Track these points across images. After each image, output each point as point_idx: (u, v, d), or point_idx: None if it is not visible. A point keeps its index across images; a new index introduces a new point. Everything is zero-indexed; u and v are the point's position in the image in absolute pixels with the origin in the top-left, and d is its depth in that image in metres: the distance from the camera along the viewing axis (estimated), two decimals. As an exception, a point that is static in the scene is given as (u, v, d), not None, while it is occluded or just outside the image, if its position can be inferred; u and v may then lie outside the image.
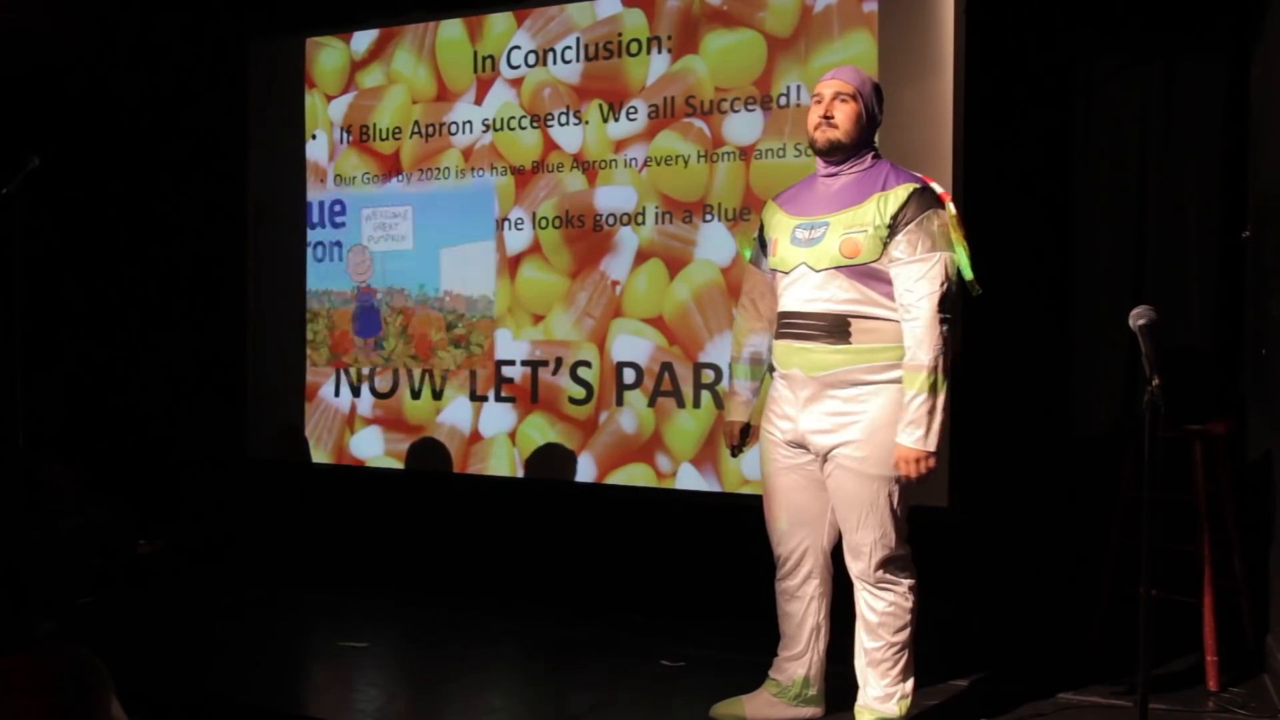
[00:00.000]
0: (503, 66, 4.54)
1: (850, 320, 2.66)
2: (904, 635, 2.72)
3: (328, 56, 4.94)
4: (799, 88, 4.00)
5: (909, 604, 2.72)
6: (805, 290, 2.71)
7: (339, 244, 4.87)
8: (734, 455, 3.10)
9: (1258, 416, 3.54)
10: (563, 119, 4.42)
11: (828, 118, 2.72)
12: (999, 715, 2.97)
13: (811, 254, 2.70)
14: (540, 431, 4.46)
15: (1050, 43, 3.94)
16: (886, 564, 2.69)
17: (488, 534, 4.61)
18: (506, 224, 4.53)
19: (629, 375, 4.29)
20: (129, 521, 4.50)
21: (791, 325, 2.75)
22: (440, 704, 3.18)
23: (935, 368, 2.57)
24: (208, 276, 5.34)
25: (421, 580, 4.47)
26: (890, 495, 2.66)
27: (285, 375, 5.03)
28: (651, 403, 4.24)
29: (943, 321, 2.58)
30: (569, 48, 4.41)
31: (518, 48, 4.51)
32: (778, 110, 4.04)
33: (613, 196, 4.33)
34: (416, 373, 4.69)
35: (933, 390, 2.57)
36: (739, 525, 3.39)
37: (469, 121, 4.61)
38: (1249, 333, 3.69)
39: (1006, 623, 3.77)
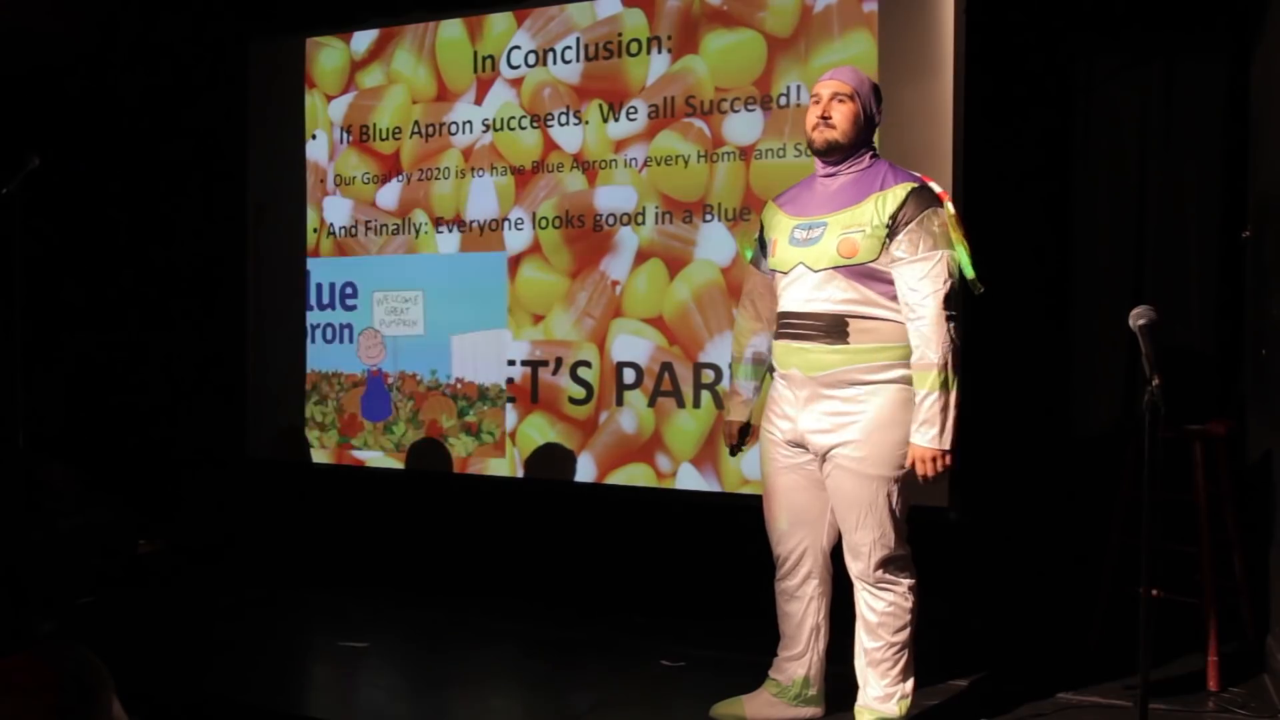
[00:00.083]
0: (503, 66, 4.54)
1: (848, 320, 2.66)
2: (904, 635, 2.72)
3: (328, 56, 4.94)
4: (799, 88, 4.00)
5: (909, 604, 2.72)
6: (804, 290, 2.71)
7: (349, 326, 4.87)
8: (733, 455, 3.11)
9: (1258, 416, 3.54)
10: (563, 119, 4.42)
11: (825, 118, 2.72)
12: (999, 715, 2.97)
13: (810, 254, 2.70)
14: (540, 431, 4.46)
15: (1050, 43, 3.95)
16: (886, 564, 2.69)
17: (488, 534, 4.61)
18: (507, 224, 4.54)
19: (629, 375, 4.29)
20: (129, 521, 4.50)
21: (790, 325, 2.75)
22: (440, 704, 3.18)
23: (945, 365, 2.57)
24: (208, 276, 5.34)
25: (421, 580, 4.47)
26: (889, 495, 2.66)
27: (285, 375, 5.03)
28: (651, 403, 4.24)
29: (949, 319, 2.59)
30: (569, 48, 4.41)
31: (518, 48, 4.51)
32: (778, 110, 4.04)
33: (613, 196, 4.33)
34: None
35: (944, 388, 2.57)
36: (739, 525, 3.39)
37: (469, 121, 4.61)
38: (1249, 333, 3.69)
39: (1006, 623, 3.77)
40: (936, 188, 2.72)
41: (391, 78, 4.79)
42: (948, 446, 2.58)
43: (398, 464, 4.75)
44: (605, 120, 4.33)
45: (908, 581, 2.72)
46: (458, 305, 4.62)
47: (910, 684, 2.75)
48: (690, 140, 4.19)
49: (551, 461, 4.43)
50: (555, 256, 4.44)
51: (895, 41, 3.83)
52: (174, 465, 5.38)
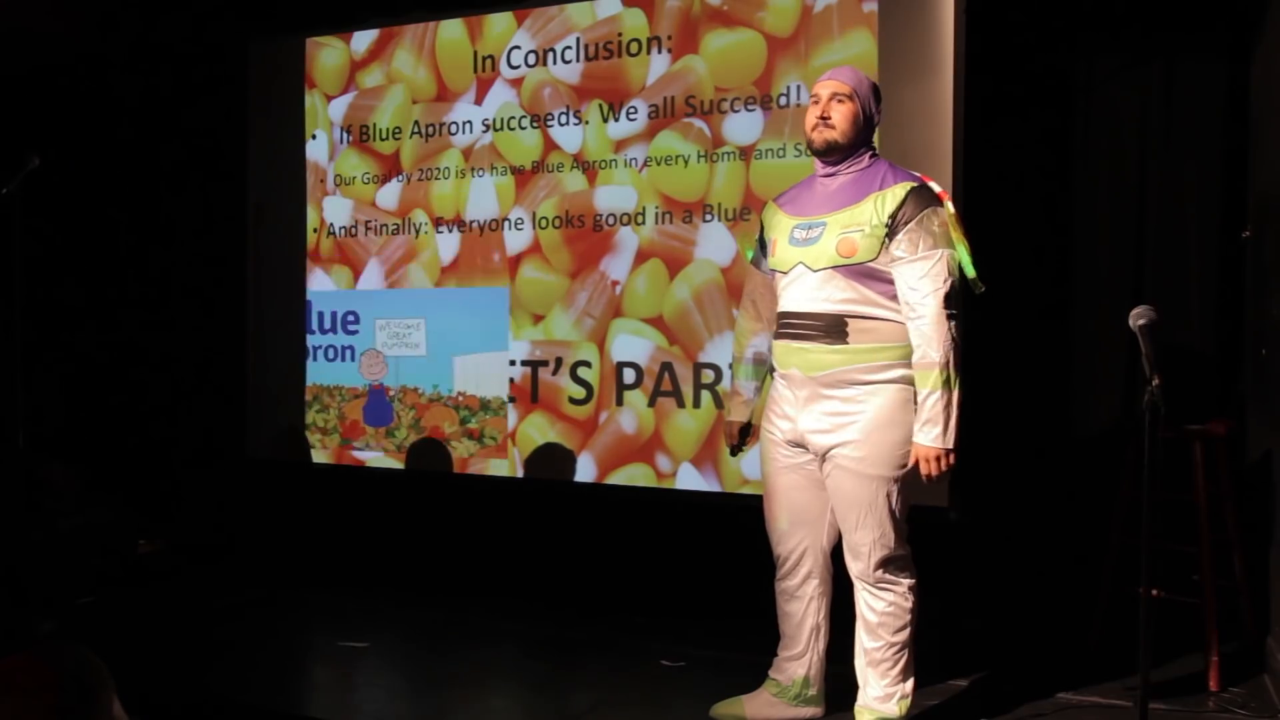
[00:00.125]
0: (503, 66, 4.54)
1: (847, 320, 2.66)
2: (904, 635, 2.72)
3: (328, 56, 4.94)
4: (799, 88, 4.00)
5: (909, 604, 2.72)
6: (803, 290, 2.71)
7: (351, 348, 4.87)
8: (734, 455, 3.12)
9: (1258, 416, 3.54)
10: (563, 119, 4.42)
11: (825, 118, 2.72)
12: (999, 715, 2.97)
13: (809, 254, 2.71)
14: (540, 431, 4.46)
15: (1050, 43, 3.95)
16: (886, 564, 2.69)
17: (488, 534, 4.61)
18: (507, 224, 4.54)
19: (629, 375, 4.29)
20: (129, 521, 4.50)
21: (790, 325, 2.75)
22: (440, 704, 3.18)
23: (947, 364, 2.57)
24: (208, 276, 5.34)
25: (421, 580, 4.47)
26: (889, 495, 2.66)
27: (285, 375, 5.03)
28: (651, 403, 4.25)
29: (950, 318, 2.58)
30: (569, 48, 4.41)
31: (518, 48, 4.51)
32: (778, 110, 4.04)
33: (613, 196, 4.33)
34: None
35: (947, 386, 2.57)
36: (739, 525, 3.39)
37: (469, 121, 4.61)
38: (1249, 333, 3.69)
39: (1006, 623, 3.77)
40: (936, 187, 2.72)
41: (391, 78, 4.79)
42: (951, 445, 2.58)
43: (398, 464, 4.75)
44: (605, 120, 4.33)
45: (908, 581, 2.72)
46: (460, 332, 4.63)
47: (910, 684, 2.75)
48: (690, 140, 4.19)
49: (551, 461, 4.43)
50: (555, 256, 4.44)
51: (895, 41, 3.84)
52: (174, 465, 5.38)
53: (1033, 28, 3.92)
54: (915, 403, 2.62)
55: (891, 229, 2.62)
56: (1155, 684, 2.57)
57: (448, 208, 4.66)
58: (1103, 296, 3.95)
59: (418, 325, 4.71)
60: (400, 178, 4.77)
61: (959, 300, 2.64)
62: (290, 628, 3.90)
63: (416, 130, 4.73)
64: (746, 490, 3.99)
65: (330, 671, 3.53)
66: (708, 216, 4.15)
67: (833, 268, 2.66)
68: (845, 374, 2.66)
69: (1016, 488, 3.90)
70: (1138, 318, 2.37)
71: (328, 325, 4.92)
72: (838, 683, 2.89)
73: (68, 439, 5.11)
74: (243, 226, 5.14)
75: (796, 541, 2.84)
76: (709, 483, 4.14)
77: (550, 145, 4.45)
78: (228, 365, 5.21)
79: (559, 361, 4.42)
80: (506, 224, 4.53)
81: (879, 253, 2.63)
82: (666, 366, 4.22)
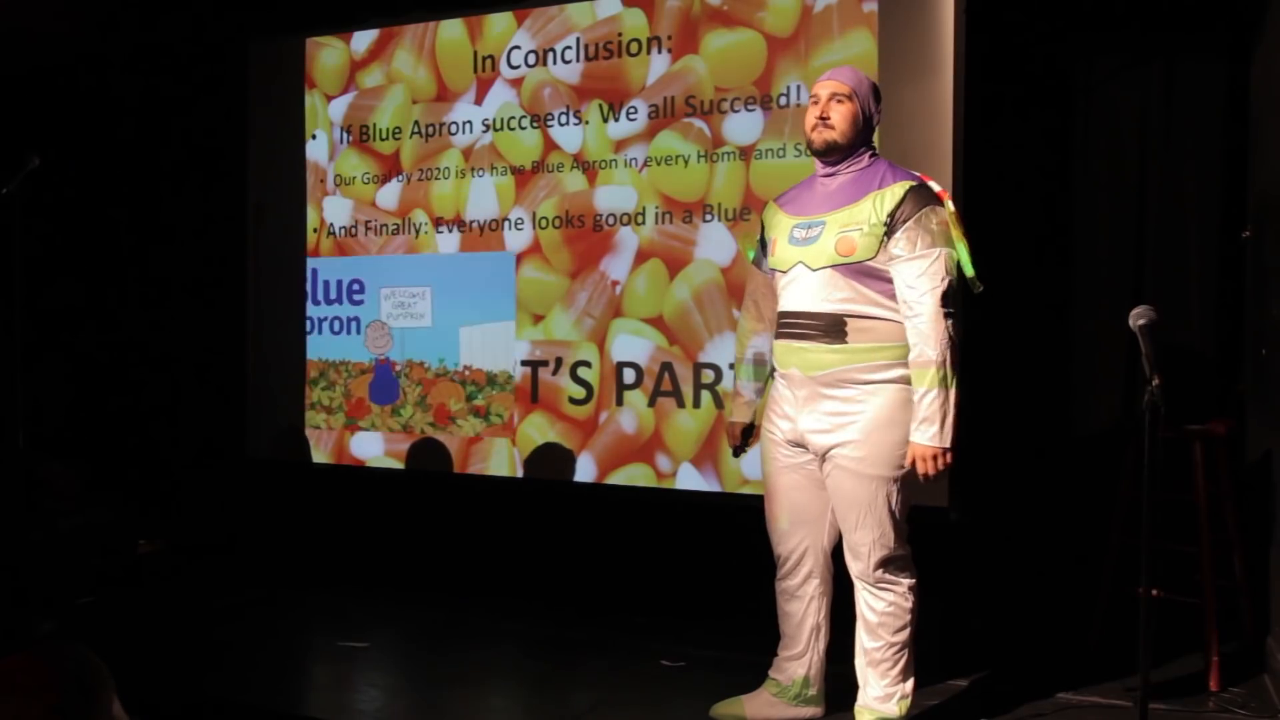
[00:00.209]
0: (503, 66, 4.54)
1: (847, 320, 2.66)
2: (904, 635, 2.72)
3: (328, 56, 4.94)
4: (799, 88, 4.00)
5: (909, 604, 2.72)
6: (802, 290, 2.71)
7: (356, 319, 4.87)
8: (736, 455, 3.12)
9: (1258, 416, 3.54)
10: (563, 119, 4.42)
11: (824, 119, 2.72)
12: (999, 715, 2.97)
13: (808, 253, 2.70)
14: (540, 431, 4.46)
15: (1050, 43, 3.95)
16: (886, 564, 2.69)
17: (488, 534, 4.61)
18: (507, 224, 4.54)
19: (629, 375, 4.29)
20: (129, 521, 4.50)
21: (789, 325, 2.75)
22: (440, 704, 3.18)
23: (944, 362, 2.56)
24: (208, 276, 5.34)
25: (421, 580, 4.47)
26: (889, 495, 2.66)
27: (286, 375, 5.03)
28: (651, 403, 4.25)
29: (947, 316, 2.58)
30: (569, 48, 4.41)
31: (518, 48, 4.51)
32: (778, 110, 4.04)
33: (613, 196, 4.33)
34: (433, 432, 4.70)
35: (943, 385, 2.56)
36: (739, 525, 3.39)
37: (469, 121, 4.61)
38: (1249, 333, 3.69)
39: (1006, 623, 3.77)
40: (936, 186, 2.72)
41: (391, 78, 4.79)
42: (948, 444, 2.57)
43: (403, 445, 4.75)
44: (605, 120, 4.33)
45: (908, 581, 2.72)
46: (466, 301, 4.61)
47: (910, 684, 2.75)
48: (690, 140, 4.19)
49: (551, 461, 4.43)
50: (555, 256, 4.44)
51: (895, 41, 3.84)
52: (174, 465, 5.38)
53: (1033, 28, 3.92)
54: (915, 402, 2.62)
55: (890, 227, 2.62)
56: (1155, 684, 2.57)
57: (448, 208, 4.66)
58: (1103, 296, 3.95)
59: (423, 294, 4.70)
60: (400, 178, 4.77)
61: (957, 299, 2.63)
62: (290, 628, 3.90)
63: (416, 130, 4.73)
64: (746, 490, 3.99)
65: (330, 671, 3.54)
66: (708, 216, 4.15)
67: (832, 267, 2.66)
68: (845, 374, 2.66)
69: (1016, 488, 3.90)
70: (1138, 318, 2.37)
71: (333, 295, 4.91)
72: (838, 683, 2.89)
73: (68, 439, 5.11)
74: (243, 226, 5.14)
75: (797, 541, 2.84)
76: (709, 483, 4.14)
77: (550, 145, 4.45)
78: (228, 365, 5.21)
79: (559, 361, 4.42)
80: (506, 224, 4.53)
81: (877, 251, 2.63)
82: (666, 366, 4.22)
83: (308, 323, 4.98)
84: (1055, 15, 3.91)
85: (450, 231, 4.65)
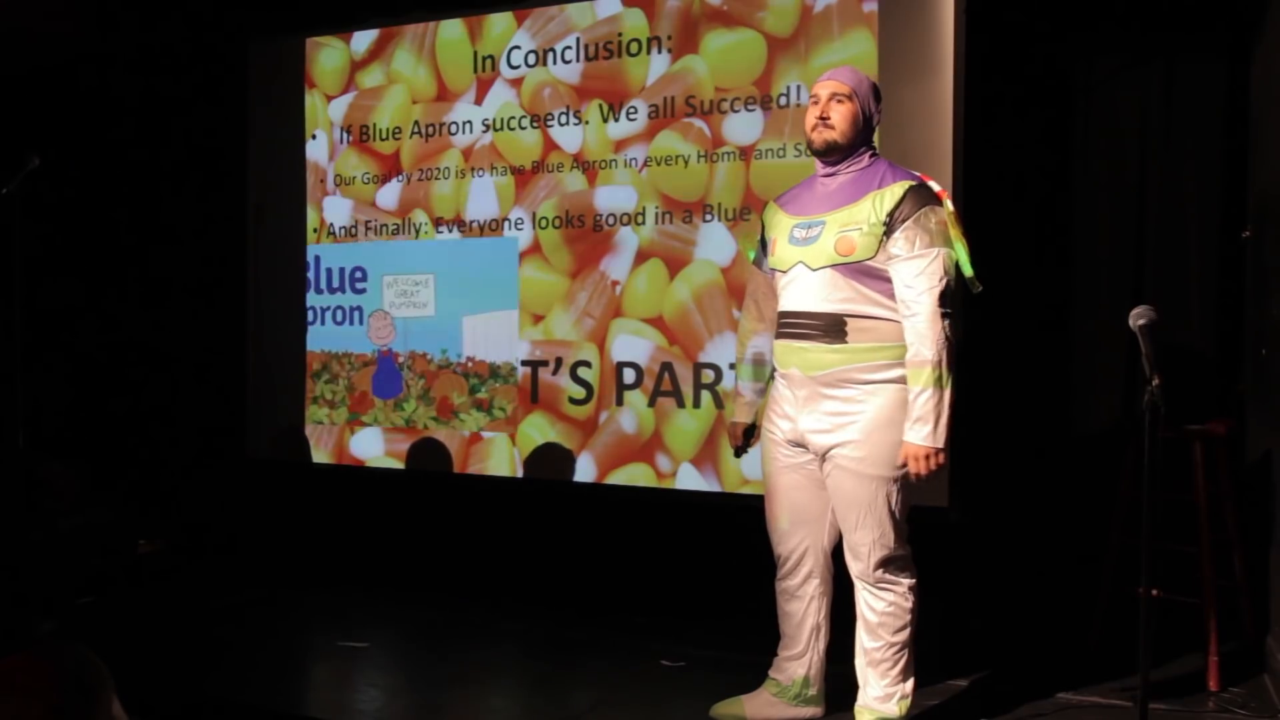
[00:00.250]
0: (503, 66, 4.54)
1: (846, 320, 2.66)
2: (904, 635, 2.72)
3: (328, 56, 4.94)
4: (799, 88, 4.00)
5: (909, 604, 2.72)
6: (802, 289, 2.71)
7: (359, 309, 4.86)
8: (738, 456, 3.12)
9: (1258, 416, 3.54)
10: (563, 119, 4.42)
11: (824, 119, 2.72)
12: (999, 715, 2.97)
13: (808, 253, 2.71)
14: (540, 431, 4.46)
15: (1050, 43, 3.95)
16: (886, 564, 2.69)
17: (488, 534, 4.61)
18: (507, 224, 4.54)
19: (629, 375, 4.29)
20: (129, 521, 4.50)
21: (789, 325, 2.75)
22: (440, 704, 3.18)
23: (940, 362, 2.56)
24: (208, 276, 5.34)
25: (421, 580, 4.47)
26: (889, 495, 2.66)
27: (286, 375, 5.03)
28: (651, 403, 4.25)
29: (944, 316, 2.58)
30: (569, 48, 4.41)
31: (518, 48, 4.51)
32: (778, 110, 4.04)
33: (613, 196, 4.33)
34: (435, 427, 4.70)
35: (938, 385, 2.56)
36: (739, 525, 3.39)
37: (469, 121, 4.61)
38: (1249, 333, 3.69)
39: (1006, 623, 3.77)
40: (935, 186, 2.72)
41: (391, 78, 4.79)
42: (941, 444, 2.57)
43: (403, 445, 4.75)
44: (605, 120, 4.33)
45: (908, 581, 2.72)
46: (469, 288, 4.61)
47: (910, 684, 2.75)
48: (690, 140, 4.19)
49: (551, 461, 4.43)
50: (555, 256, 4.44)
51: (895, 41, 3.84)
52: (174, 465, 5.38)
53: (1033, 28, 3.92)
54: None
55: (889, 227, 2.62)
56: (1155, 684, 2.57)
57: (448, 208, 4.66)
58: (1103, 296, 3.95)
59: (426, 282, 4.69)
60: (400, 178, 4.77)
61: (955, 299, 2.63)
62: (290, 628, 3.90)
63: (416, 130, 4.73)
64: (746, 490, 3.99)
65: (330, 671, 3.54)
66: (708, 216, 4.16)
67: (831, 266, 2.66)
68: (844, 373, 2.66)
69: (1016, 488, 3.89)
70: (1138, 318, 2.37)
71: (335, 284, 4.91)
72: (838, 682, 2.89)
73: (68, 439, 5.10)
74: (243, 226, 5.15)
75: (797, 541, 2.84)
76: (709, 483, 4.14)
77: (550, 145, 4.45)
78: (228, 365, 5.21)
79: (559, 361, 4.42)
80: (506, 224, 4.53)
81: (877, 251, 2.63)
82: (666, 366, 4.22)
83: (310, 313, 4.98)
84: (1055, 15, 3.91)
85: (450, 231, 4.65)
